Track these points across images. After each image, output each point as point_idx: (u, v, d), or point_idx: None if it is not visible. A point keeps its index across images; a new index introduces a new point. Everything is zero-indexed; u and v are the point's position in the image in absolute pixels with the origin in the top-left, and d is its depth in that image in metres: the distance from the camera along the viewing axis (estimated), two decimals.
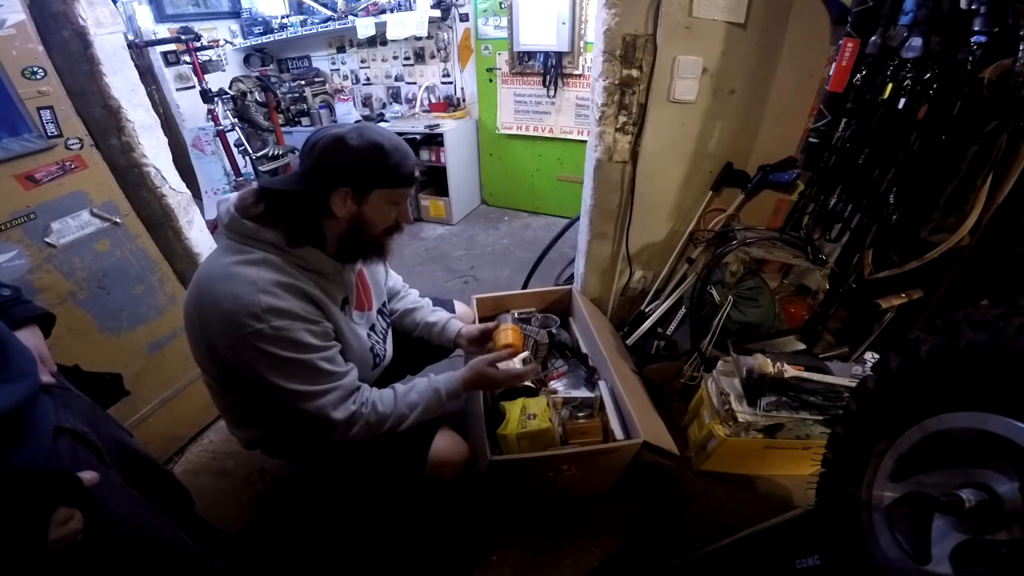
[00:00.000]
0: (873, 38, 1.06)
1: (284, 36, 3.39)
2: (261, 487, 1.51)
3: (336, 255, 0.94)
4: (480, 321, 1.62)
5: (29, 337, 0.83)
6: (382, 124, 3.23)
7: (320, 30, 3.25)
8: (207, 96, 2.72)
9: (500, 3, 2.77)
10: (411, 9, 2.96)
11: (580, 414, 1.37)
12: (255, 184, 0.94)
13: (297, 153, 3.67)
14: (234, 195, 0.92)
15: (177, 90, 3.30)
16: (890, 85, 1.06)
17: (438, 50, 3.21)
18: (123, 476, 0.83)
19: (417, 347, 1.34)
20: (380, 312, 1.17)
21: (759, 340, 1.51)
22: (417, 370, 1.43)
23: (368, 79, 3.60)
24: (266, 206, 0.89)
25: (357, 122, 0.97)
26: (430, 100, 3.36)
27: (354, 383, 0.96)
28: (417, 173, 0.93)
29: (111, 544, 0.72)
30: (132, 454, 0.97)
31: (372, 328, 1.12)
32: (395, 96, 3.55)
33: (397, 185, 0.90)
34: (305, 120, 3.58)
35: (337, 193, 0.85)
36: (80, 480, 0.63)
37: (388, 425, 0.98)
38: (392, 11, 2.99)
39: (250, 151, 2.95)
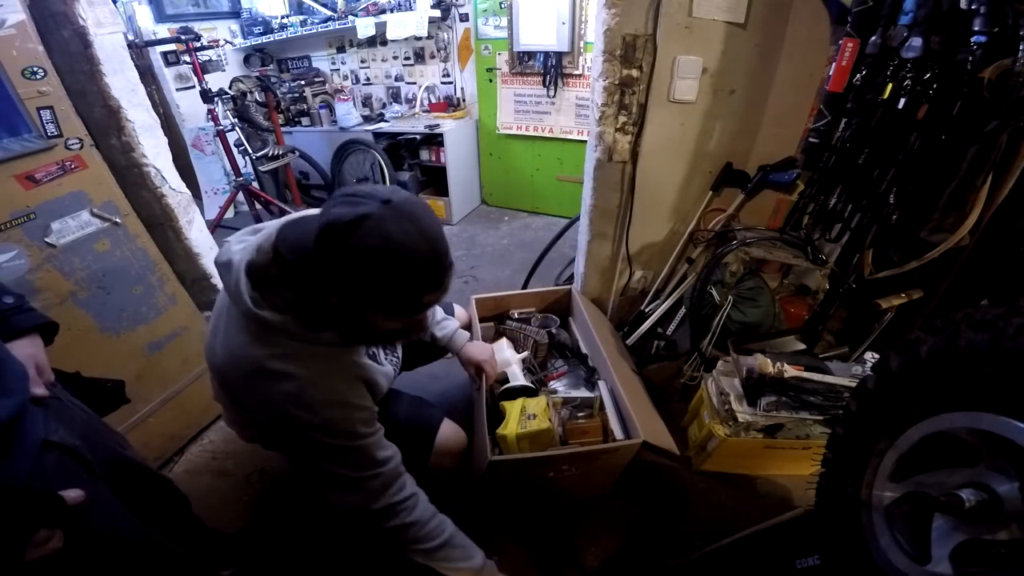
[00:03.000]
0: (873, 38, 1.06)
1: (284, 36, 3.38)
2: (261, 487, 1.51)
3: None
4: (481, 322, 1.62)
5: (28, 346, 0.81)
6: (382, 125, 3.22)
7: (320, 30, 3.25)
8: (207, 96, 2.72)
9: (500, 3, 2.77)
10: (411, 9, 2.96)
11: (580, 414, 1.37)
12: (273, 234, 0.79)
13: (297, 153, 3.62)
14: (242, 251, 0.78)
15: (177, 90, 3.30)
16: (890, 85, 1.05)
17: (438, 50, 3.20)
18: (119, 486, 0.83)
19: (413, 346, 1.33)
20: None
21: (759, 340, 1.51)
22: (410, 368, 1.42)
23: (368, 79, 3.60)
24: (279, 271, 0.76)
25: (389, 202, 0.66)
26: (430, 100, 3.36)
27: (398, 468, 0.91)
28: (434, 297, 0.74)
29: (93, 557, 0.72)
30: (129, 464, 0.96)
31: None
32: (395, 96, 3.55)
33: (392, 314, 0.75)
34: (305, 120, 3.57)
35: (328, 295, 0.73)
36: (63, 500, 0.62)
37: (415, 534, 0.92)
38: (392, 11, 2.99)
39: (250, 151, 2.95)
